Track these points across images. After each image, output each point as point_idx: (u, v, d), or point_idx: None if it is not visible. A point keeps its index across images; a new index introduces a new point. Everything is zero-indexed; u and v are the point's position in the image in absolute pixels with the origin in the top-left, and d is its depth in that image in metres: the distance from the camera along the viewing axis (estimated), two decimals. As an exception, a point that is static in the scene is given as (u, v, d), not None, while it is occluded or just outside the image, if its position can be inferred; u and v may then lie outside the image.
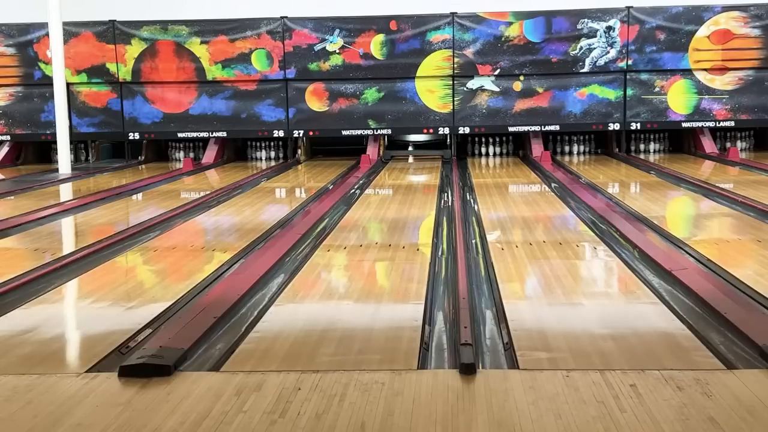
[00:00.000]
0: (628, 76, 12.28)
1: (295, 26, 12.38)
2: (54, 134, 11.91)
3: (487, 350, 3.53)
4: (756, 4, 12.09)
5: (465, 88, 12.41)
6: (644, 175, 10.32)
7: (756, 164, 10.66)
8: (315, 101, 12.52)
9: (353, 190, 9.19)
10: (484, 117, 12.46)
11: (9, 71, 12.76)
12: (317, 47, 12.37)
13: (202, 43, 12.51)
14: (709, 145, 12.36)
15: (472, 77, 12.37)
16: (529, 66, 12.26)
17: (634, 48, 12.17)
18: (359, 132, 12.54)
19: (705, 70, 12.22)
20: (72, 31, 12.46)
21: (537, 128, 12.41)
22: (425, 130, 12.57)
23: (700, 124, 12.40)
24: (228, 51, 12.46)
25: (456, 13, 12.24)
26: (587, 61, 12.22)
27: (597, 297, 4.52)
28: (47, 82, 12.19)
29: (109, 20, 12.55)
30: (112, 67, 12.60)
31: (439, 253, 5.58)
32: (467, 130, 12.49)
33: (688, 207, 8.18)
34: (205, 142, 13.09)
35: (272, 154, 13.31)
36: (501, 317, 3.93)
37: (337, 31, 12.32)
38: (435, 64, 12.36)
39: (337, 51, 12.35)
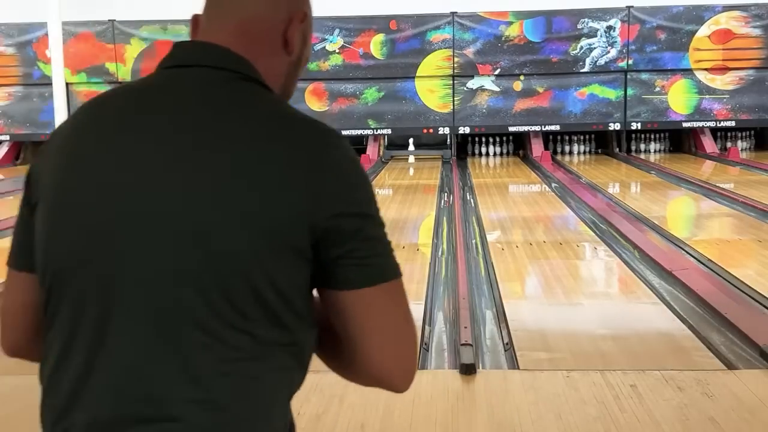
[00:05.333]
0: (628, 76, 12.26)
1: (295, 26, 12.36)
2: (54, 134, 11.89)
3: (487, 350, 3.52)
4: (757, 3, 12.08)
5: (465, 88, 12.39)
6: (644, 175, 10.31)
7: (756, 164, 10.65)
8: (315, 101, 12.51)
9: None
10: (484, 117, 12.44)
11: (8, 71, 12.76)
12: (317, 47, 12.35)
13: (202, 42, 12.49)
14: (709, 145, 12.34)
15: (472, 77, 12.35)
16: (530, 66, 12.24)
17: (634, 48, 12.16)
18: (359, 132, 12.52)
19: (706, 69, 12.21)
20: (71, 30, 12.44)
21: (537, 128, 12.39)
22: (425, 130, 12.55)
23: (700, 124, 12.38)
24: (228, 51, 12.44)
25: (456, 12, 12.23)
26: (587, 60, 12.21)
27: (597, 297, 4.52)
28: (46, 81, 12.15)
29: (109, 20, 12.54)
30: (111, 66, 12.59)
31: (439, 253, 5.58)
32: (467, 130, 12.47)
33: (689, 207, 8.17)
34: (205, 141, 13.06)
35: (272, 153, 13.27)
36: (501, 317, 3.92)
37: (336, 31, 12.31)
38: (435, 63, 12.34)
39: (337, 50, 12.34)
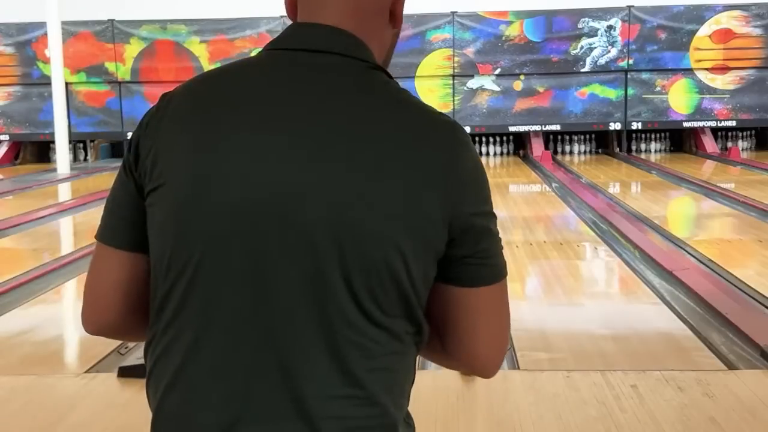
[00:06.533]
0: (629, 76, 12.25)
1: (295, 25, 12.35)
2: (52, 134, 11.88)
3: (487, 350, 3.51)
4: (757, 3, 12.07)
5: (465, 88, 12.38)
6: (645, 174, 10.30)
7: (757, 164, 10.65)
8: (315, 101, 12.49)
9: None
10: (485, 116, 12.43)
11: (7, 70, 12.74)
12: (317, 46, 12.32)
13: (201, 42, 12.49)
14: (710, 144, 12.33)
15: (472, 76, 12.35)
16: (530, 65, 12.23)
17: (635, 47, 12.15)
18: (359, 131, 12.49)
19: (706, 69, 12.20)
20: (71, 30, 12.43)
21: (537, 128, 12.39)
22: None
23: (701, 123, 12.37)
24: (227, 50, 12.43)
25: (456, 12, 12.22)
26: (588, 60, 12.21)
27: (598, 297, 4.51)
28: (46, 81, 12.17)
29: (108, 19, 12.53)
30: (110, 66, 12.58)
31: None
32: (467, 129, 12.42)
33: (690, 207, 8.17)
34: (204, 141, 13.03)
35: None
36: (501, 317, 3.91)
37: (337, 31, 12.29)
38: (435, 63, 12.34)
39: (337, 50, 12.31)
